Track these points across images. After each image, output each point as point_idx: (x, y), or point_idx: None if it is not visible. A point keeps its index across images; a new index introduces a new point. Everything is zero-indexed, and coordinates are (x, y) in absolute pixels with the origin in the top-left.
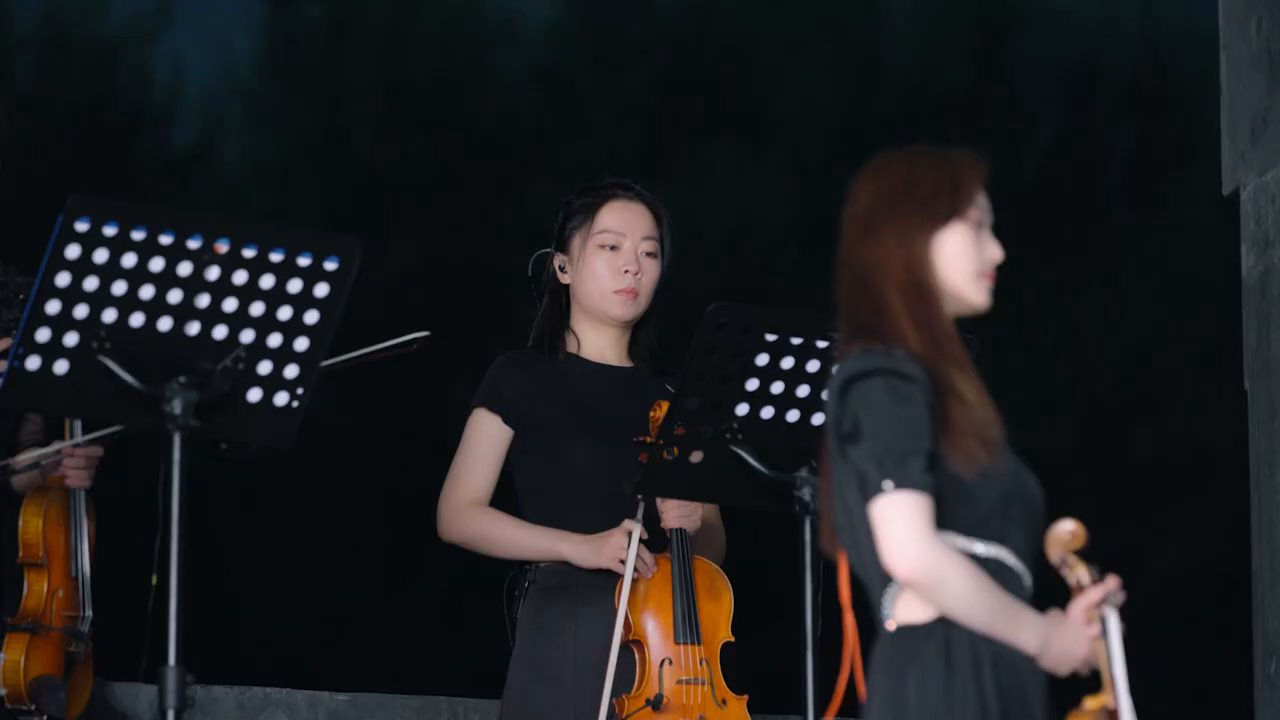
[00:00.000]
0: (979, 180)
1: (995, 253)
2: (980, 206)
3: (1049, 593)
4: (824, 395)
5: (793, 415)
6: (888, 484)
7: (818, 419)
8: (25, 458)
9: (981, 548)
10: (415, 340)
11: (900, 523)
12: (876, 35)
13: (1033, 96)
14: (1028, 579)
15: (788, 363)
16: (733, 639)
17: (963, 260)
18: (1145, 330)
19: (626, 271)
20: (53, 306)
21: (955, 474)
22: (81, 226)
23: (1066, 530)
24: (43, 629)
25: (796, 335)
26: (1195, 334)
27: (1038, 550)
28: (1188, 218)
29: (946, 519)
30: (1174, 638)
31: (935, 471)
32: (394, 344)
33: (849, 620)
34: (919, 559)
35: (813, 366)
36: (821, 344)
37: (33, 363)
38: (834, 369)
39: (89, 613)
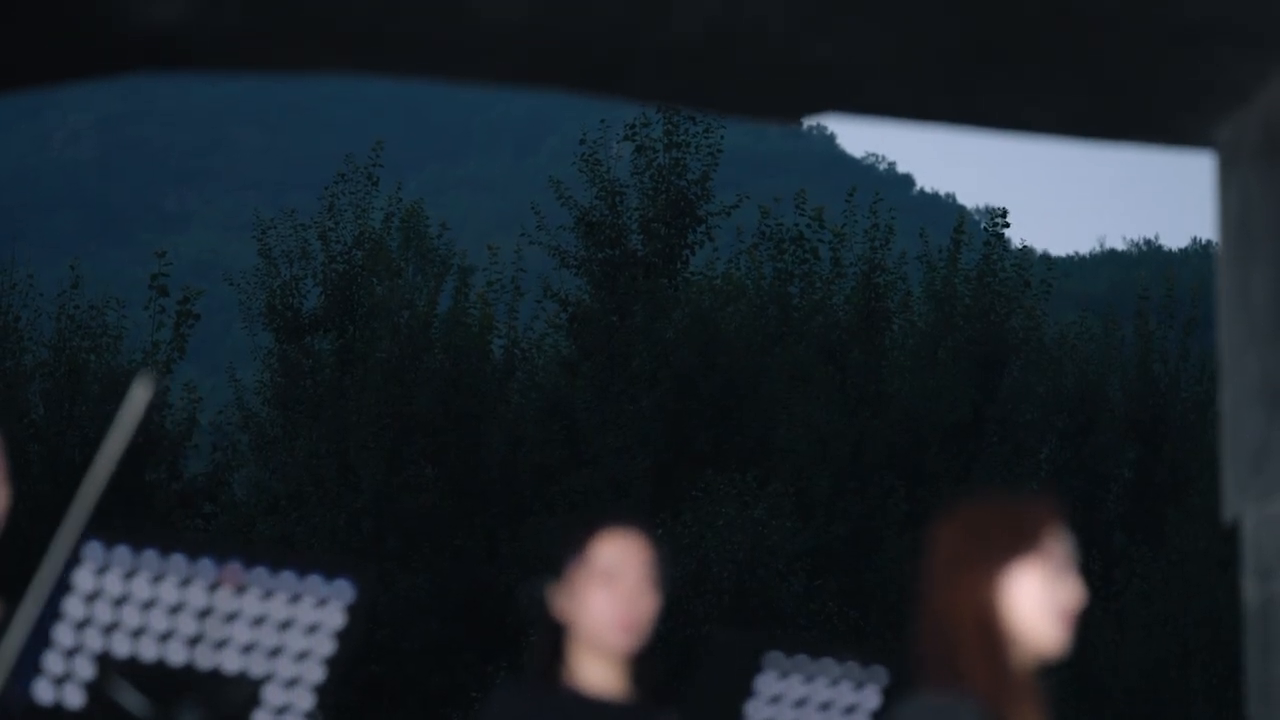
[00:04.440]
0: (1048, 521)
1: (1069, 593)
2: (1056, 547)
3: None
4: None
5: None
6: None
7: None
8: None
9: None
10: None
11: None
12: (877, 366)
13: (1031, 425)
14: None
15: (793, 689)
16: None
17: (1033, 602)
18: (1148, 658)
19: (625, 605)
20: (64, 635)
21: None
22: (92, 553)
23: None
24: None
25: (800, 662)
26: (1198, 662)
27: None
28: (1188, 545)
29: None
30: None
31: None
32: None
33: None
34: None
35: (819, 692)
36: (829, 669)
37: (45, 694)
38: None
39: None
